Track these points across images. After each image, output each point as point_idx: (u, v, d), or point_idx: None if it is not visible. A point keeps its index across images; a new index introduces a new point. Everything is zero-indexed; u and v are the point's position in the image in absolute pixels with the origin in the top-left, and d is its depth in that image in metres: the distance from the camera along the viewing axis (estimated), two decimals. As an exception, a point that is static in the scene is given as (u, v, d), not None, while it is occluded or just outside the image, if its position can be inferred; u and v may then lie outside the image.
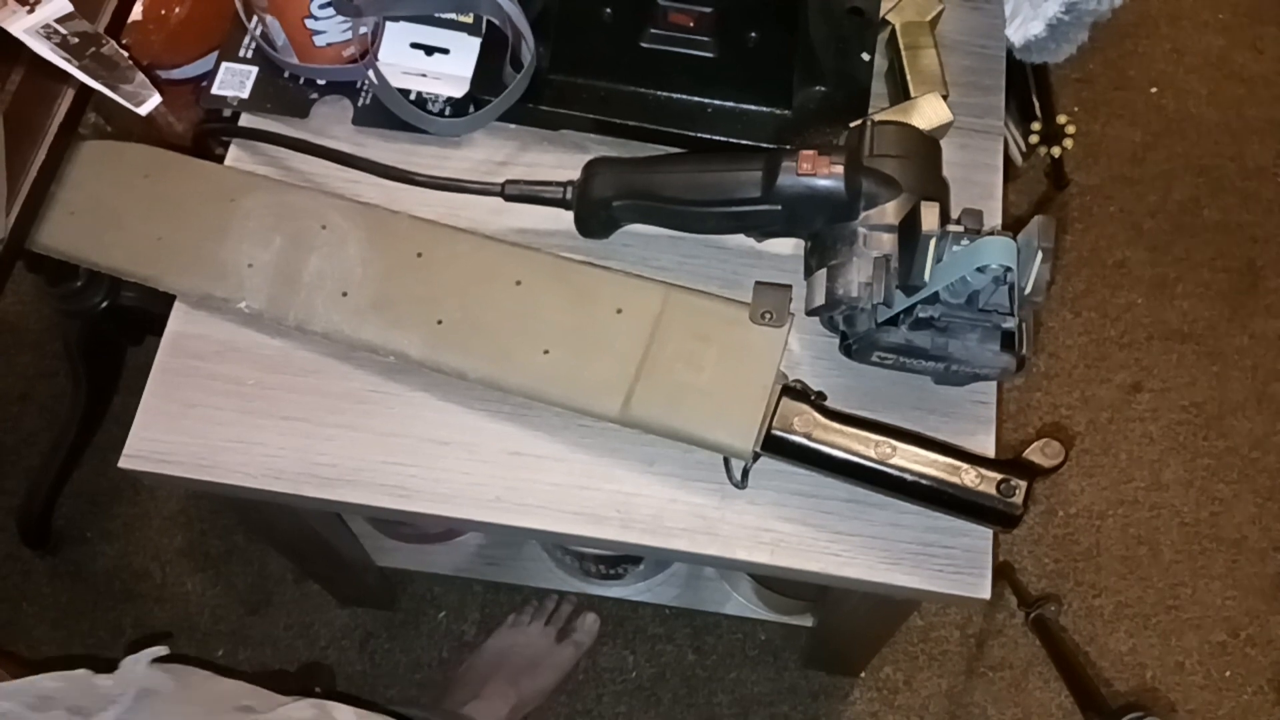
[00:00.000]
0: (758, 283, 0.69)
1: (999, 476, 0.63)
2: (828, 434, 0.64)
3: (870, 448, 0.64)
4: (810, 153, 0.65)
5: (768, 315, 0.67)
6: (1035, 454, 0.63)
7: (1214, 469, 1.33)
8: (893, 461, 0.63)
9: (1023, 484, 0.63)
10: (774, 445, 0.65)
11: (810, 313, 0.68)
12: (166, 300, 0.74)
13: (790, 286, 0.68)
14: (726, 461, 0.67)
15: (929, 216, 0.61)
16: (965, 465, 0.63)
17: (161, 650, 0.63)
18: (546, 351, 0.68)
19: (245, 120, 0.80)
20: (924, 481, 0.63)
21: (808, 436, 0.64)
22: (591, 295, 0.69)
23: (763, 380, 0.65)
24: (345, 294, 0.70)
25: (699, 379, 0.66)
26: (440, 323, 0.69)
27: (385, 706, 1.00)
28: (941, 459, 0.63)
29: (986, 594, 0.66)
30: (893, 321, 0.65)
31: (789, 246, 0.74)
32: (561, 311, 0.69)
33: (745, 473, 0.67)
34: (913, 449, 0.64)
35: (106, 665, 0.65)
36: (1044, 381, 1.37)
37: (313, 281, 0.71)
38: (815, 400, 0.66)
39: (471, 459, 0.69)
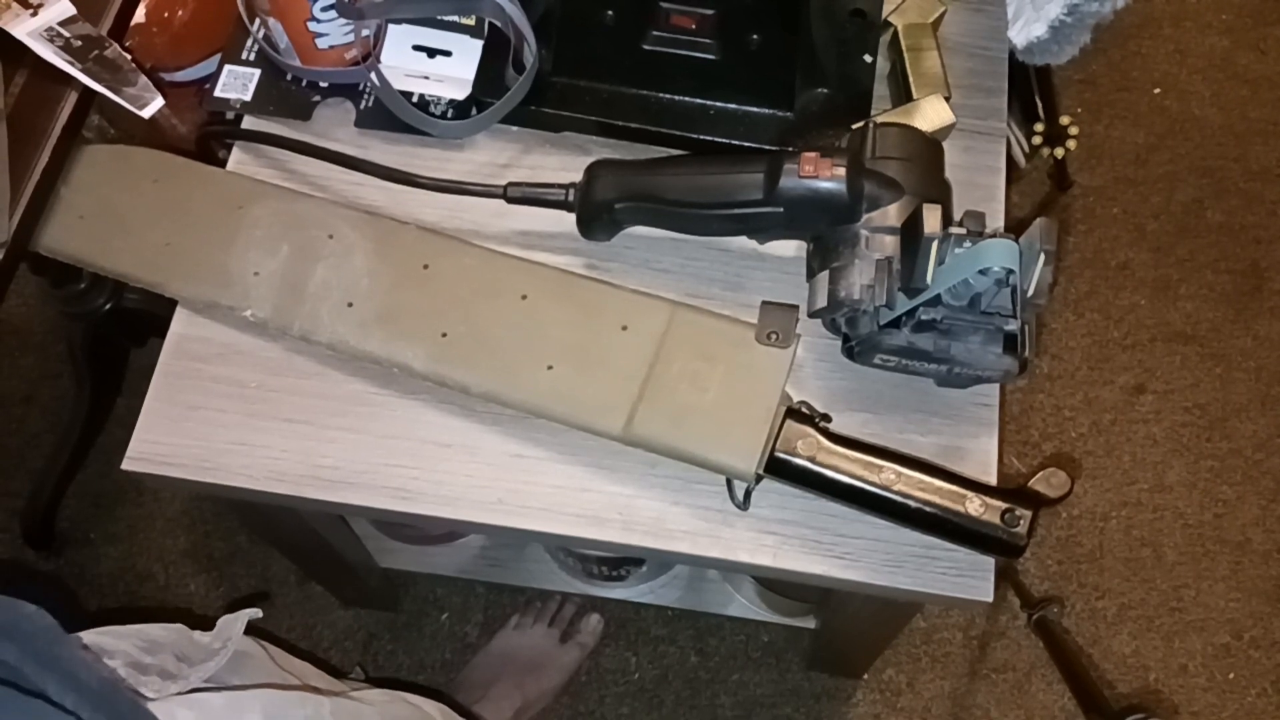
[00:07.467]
0: (764, 303, 0.68)
1: (1004, 506, 0.62)
2: (831, 458, 0.64)
3: (874, 473, 0.63)
4: (812, 155, 0.65)
5: (774, 336, 0.66)
6: (1040, 484, 0.63)
7: (1217, 471, 1.32)
8: (897, 488, 0.63)
9: (1027, 514, 0.62)
10: (777, 468, 0.64)
11: (812, 315, 0.67)
12: (169, 302, 0.74)
13: (797, 307, 0.68)
14: (729, 482, 0.67)
15: (931, 219, 0.61)
16: (970, 494, 0.63)
17: (256, 613, 0.65)
18: (550, 367, 0.67)
19: (248, 123, 0.80)
20: (928, 509, 0.63)
21: (811, 460, 0.64)
22: (597, 311, 0.69)
23: (767, 402, 0.64)
24: (350, 305, 0.70)
25: (703, 399, 0.65)
26: (445, 336, 0.69)
27: (451, 696, 1.01)
28: (946, 486, 0.63)
29: (989, 597, 0.66)
30: (895, 324, 0.65)
31: (791, 249, 0.74)
32: (566, 327, 0.68)
33: (748, 494, 0.66)
34: (917, 475, 0.63)
35: (200, 623, 0.66)
36: (1047, 383, 1.37)
37: (318, 292, 0.71)
38: (820, 423, 0.65)
39: (474, 461, 0.69)
